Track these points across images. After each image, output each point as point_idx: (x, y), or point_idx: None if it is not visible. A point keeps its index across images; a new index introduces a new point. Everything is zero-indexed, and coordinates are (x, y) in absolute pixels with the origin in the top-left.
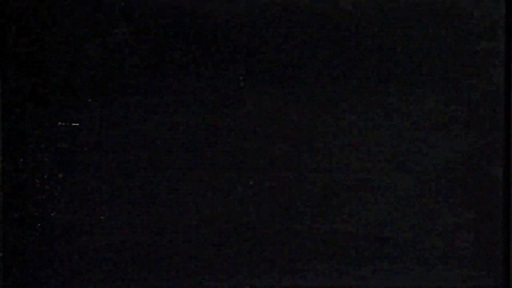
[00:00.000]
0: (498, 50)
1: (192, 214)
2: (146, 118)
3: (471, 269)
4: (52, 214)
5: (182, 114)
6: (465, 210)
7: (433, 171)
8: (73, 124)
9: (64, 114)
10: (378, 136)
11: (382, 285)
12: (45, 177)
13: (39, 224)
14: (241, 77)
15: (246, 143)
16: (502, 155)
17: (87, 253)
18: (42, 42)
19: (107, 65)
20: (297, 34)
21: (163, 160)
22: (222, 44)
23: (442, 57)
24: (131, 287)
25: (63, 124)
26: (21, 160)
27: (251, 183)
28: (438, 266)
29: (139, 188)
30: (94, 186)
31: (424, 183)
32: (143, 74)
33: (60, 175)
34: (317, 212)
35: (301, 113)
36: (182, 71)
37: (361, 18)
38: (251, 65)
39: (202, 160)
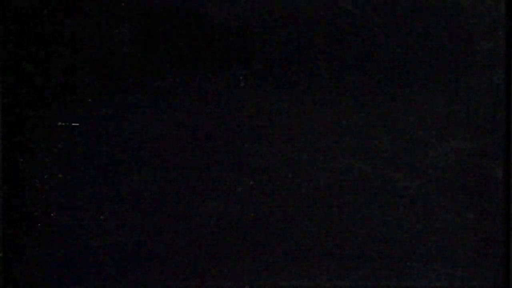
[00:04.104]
0: (498, 50)
1: (192, 214)
2: (146, 118)
3: (471, 269)
4: (52, 214)
5: (182, 114)
6: (465, 210)
7: (433, 171)
8: (73, 124)
9: (64, 114)
10: (378, 136)
11: (382, 285)
12: (45, 177)
13: (39, 224)
14: (241, 77)
15: (246, 143)
16: (502, 155)
17: (87, 253)
18: (42, 42)
19: (107, 65)
20: (297, 34)
21: (163, 160)
22: (222, 44)
23: (442, 57)
24: (131, 287)
25: (63, 124)
26: (21, 160)
27: (251, 183)
28: (438, 266)
29: (139, 188)
30: (94, 186)
31: (424, 183)
32: (143, 74)
33: (60, 175)
34: (317, 212)
35: (301, 113)
36: (182, 71)
37: (361, 18)
38: (251, 65)
39: (202, 160)
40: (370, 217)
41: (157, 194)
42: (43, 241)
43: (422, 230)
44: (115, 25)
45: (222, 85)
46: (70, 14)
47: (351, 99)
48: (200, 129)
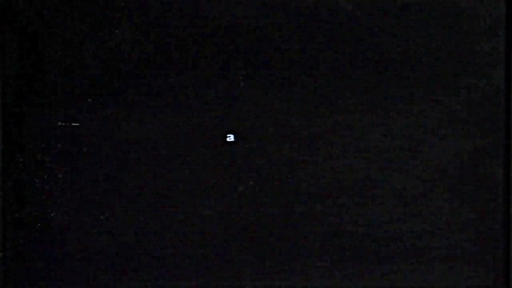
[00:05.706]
0: (498, 50)
1: (192, 214)
2: (146, 118)
3: (471, 269)
4: (52, 214)
5: (182, 114)
6: (465, 210)
7: (433, 171)
8: (73, 124)
9: (64, 114)
10: (378, 136)
11: (382, 285)
12: (45, 177)
13: (39, 224)
14: (241, 77)
15: (246, 143)
16: (502, 155)
17: (87, 253)
18: (42, 42)
19: (107, 65)
20: (297, 34)
21: (163, 160)
22: (222, 44)
23: (442, 57)
24: (131, 287)
25: (63, 124)
26: (21, 160)
27: (251, 183)
28: (438, 266)
29: (139, 188)
30: (94, 186)
31: (424, 183)
32: (143, 74)
33: (60, 175)
34: (317, 212)
35: (301, 113)
36: (182, 71)
37: (361, 18)
38: (251, 65)
39: (202, 160)
40: (370, 217)
41: (157, 194)
42: (43, 241)
43: (422, 230)
44: (115, 25)
45: (222, 85)
46: (69, 14)
47: (351, 99)
48: (199, 129)
